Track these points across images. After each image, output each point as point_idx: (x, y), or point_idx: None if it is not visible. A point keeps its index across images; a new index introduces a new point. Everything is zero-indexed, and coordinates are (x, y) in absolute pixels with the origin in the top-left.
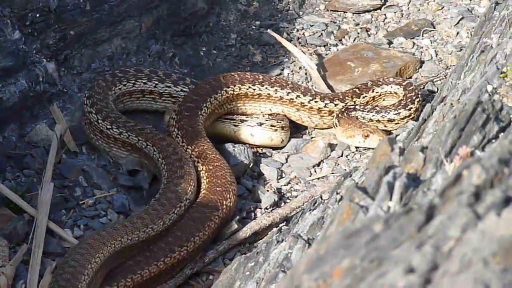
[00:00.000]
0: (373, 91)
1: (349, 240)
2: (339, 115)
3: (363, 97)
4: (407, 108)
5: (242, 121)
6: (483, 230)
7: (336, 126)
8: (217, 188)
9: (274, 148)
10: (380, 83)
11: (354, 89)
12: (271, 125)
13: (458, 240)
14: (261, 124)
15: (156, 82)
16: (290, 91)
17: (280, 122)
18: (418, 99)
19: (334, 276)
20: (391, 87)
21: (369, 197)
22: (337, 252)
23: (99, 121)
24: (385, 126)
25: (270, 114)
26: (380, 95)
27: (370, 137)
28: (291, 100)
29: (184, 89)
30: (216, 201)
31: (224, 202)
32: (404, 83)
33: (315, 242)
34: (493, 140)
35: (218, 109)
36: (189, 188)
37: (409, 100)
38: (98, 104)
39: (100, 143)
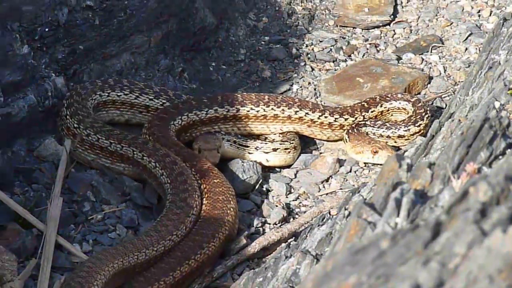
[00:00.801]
0: (381, 106)
1: (356, 257)
2: (349, 130)
3: (372, 111)
4: (416, 125)
5: (257, 148)
6: (489, 247)
7: (346, 141)
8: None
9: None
10: (388, 98)
11: (363, 103)
12: (285, 149)
13: (464, 257)
14: (275, 149)
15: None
16: (298, 109)
17: (292, 143)
18: (427, 115)
19: None
20: (400, 103)
21: (377, 213)
22: (344, 269)
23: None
24: (395, 142)
25: (282, 133)
26: (388, 110)
27: (379, 153)
28: (301, 118)
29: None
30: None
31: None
32: (412, 100)
33: (322, 258)
34: (500, 157)
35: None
36: (195, 202)
37: (418, 116)
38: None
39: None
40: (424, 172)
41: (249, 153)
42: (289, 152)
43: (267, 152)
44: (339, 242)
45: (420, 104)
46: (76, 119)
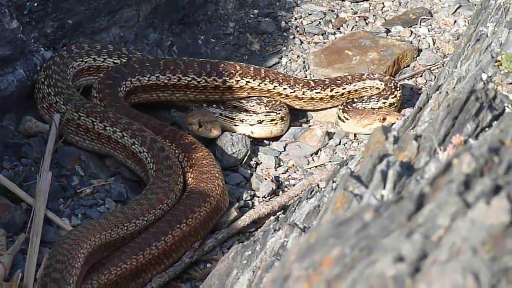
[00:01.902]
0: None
1: (339, 229)
2: (345, 109)
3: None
4: (392, 96)
5: (242, 120)
6: (473, 218)
7: (347, 120)
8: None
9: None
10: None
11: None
12: (271, 120)
13: (448, 228)
14: (261, 122)
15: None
16: (277, 84)
17: (279, 113)
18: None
19: (324, 265)
20: (374, 82)
21: (363, 185)
22: (327, 241)
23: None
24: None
25: (268, 103)
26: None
27: (388, 119)
28: (279, 93)
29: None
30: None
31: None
32: (385, 79)
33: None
34: (487, 129)
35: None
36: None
37: (389, 91)
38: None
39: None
40: (410, 144)
41: (235, 125)
42: (275, 123)
43: (252, 125)
44: (325, 214)
45: (391, 82)
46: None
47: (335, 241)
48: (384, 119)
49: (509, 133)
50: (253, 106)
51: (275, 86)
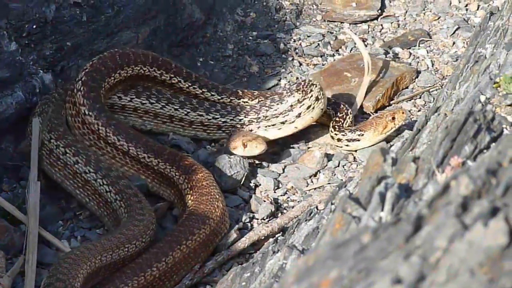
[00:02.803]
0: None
1: (337, 251)
2: (348, 130)
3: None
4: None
5: (283, 122)
6: (470, 240)
7: (362, 136)
8: None
9: (272, 157)
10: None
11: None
12: (307, 107)
13: (445, 250)
14: (299, 115)
15: None
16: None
17: (312, 95)
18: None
19: (322, 287)
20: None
21: (362, 207)
22: (325, 263)
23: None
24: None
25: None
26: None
27: (396, 117)
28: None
29: None
30: None
31: None
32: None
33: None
34: (485, 150)
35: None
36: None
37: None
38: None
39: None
40: (409, 166)
41: (278, 129)
42: (313, 108)
43: (292, 122)
44: (324, 236)
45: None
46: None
47: (333, 263)
48: (393, 118)
49: (507, 155)
50: (284, 97)
51: (203, 92)
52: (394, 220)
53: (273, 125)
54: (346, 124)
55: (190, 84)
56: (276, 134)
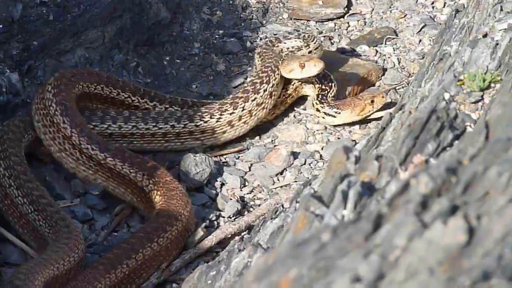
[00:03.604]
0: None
1: (297, 250)
2: (328, 104)
3: None
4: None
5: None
6: (429, 239)
7: (339, 114)
8: None
9: (238, 155)
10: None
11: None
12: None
13: (405, 249)
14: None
15: None
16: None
17: (312, 44)
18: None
19: (282, 285)
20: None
21: (324, 205)
22: (285, 262)
23: None
24: None
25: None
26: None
27: (375, 100)
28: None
29: None
30: None
31: None
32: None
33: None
34: (448, 148)
35: None
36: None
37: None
38: None
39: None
40: (371, 164)
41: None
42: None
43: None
44: (287, 235)
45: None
46: None
47: (292, 262)
48: (372, 101)
49: (467, 153)
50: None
51: (155, 105)
52: (354, 219)
53: None
54: (329, 96)
55: (140, 99)
56: None
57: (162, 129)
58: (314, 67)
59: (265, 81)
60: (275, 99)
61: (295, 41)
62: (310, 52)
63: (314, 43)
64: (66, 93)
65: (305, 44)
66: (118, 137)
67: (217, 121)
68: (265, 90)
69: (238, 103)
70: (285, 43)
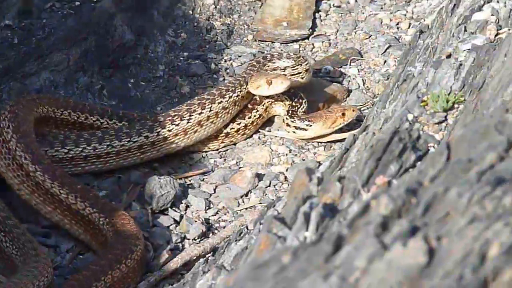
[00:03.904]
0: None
1: (257, 272)
2: (299, 117)
3: None
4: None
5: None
6: (390, 260)
7: (310, 126)
8: None
9: (203, 178)
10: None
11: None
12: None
13: (365, 270)
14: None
15: None
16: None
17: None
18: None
19: None
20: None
21: (287, 227)
22: (245, 284)
23: None
24: None
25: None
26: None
27: (346, 113)
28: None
29: None
30: None
31: None
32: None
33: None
34: (411, 169)
35: None
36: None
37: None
38: None
39: None
40: (334, 185)
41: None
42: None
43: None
44: (249, 257)
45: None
46: None
47: (252, 284)
48: (343, 114)
49: (428, 174)
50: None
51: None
52: (314, 240)
53: None
54: (300, 111)
55: (109, 120)
56: None
57: (137, 142)
58: (281, 84)
59: (230, 89)
60: (236, 109)
61: (286, 61)
62: (299, 73)
63: (305, 64)
64: (24, 120)
65: (296, 64)
66: (94, 158)
67: (187, 122)
68: (230, 97)
69: (205, 104)
70: (274, 62)
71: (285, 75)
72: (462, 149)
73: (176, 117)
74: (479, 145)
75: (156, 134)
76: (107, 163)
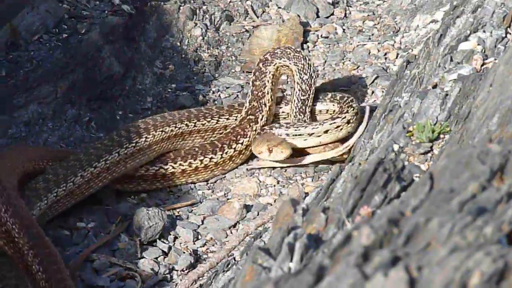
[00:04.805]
0: None
1: None
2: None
3: None
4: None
5: (310, 134)
6: None
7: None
8: None
9: (191, 209)
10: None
11: None
12: (336, 127)
13: None
14: (327, 131)
15: None
16: None
17: (345, 116)
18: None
19: None
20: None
21: (272, 258)
22: None
23: None
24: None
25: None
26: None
27: (274, 150)
28: None
29: None
30: None
31: None
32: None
33: None
34: (395, 200)
35: None
36: None
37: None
38: None
39: None
40: (318, 216)
41: (304, 140)
42: (341, 129)
43: (319, 136)
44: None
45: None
46: None
47: None
48: (271, 150)
49: (410, 204)
50: (326, 105)
51: None
52: (296, 271)
53: None
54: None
55: None
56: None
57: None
58: (281, 153)
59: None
60: None
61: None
62: (348, 122)
63: (353, 110)
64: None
65: (341, 111)
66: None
67: None
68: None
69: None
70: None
71: (287, 142)
72: (444, 179)
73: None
74: (462, 175)
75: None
76: None
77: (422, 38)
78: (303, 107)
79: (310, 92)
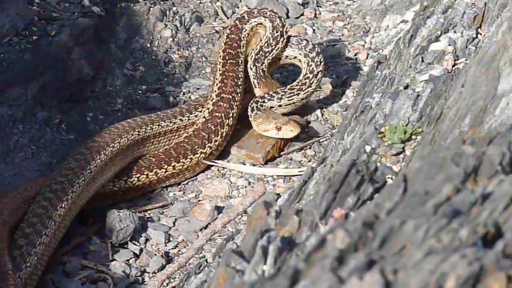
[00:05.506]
0: None
1: None
2: (255, 107)
3: None
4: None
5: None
6: None
7: (251, 118)
8: None
9: (162, 211)
10: None
11: None
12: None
13: None
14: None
15: None
16: None
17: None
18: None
19: None
20: None
21: (245, 261)
22: None
23: None
24: None
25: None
26: None
27: (283, 128)
28: None
29: None
30: None
31: None
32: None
33: None
34: (368, 202)
35: None
36: None
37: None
38: None
39: None
40: (292, 219)
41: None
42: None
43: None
44: None
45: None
46: None
47: None
48: (279, 128)
49: (384, 207)
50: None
51: None
52: (271, 275)
53: None
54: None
55: None
56: None
57: None
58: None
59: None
60: None
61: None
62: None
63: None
64: None
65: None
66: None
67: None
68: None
69: None
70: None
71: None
72: (419, 182)
73: None
74: (436, 177)
75: None
76: None
77: (392, 38)
78: (261, 58)
79: (274, 48)
